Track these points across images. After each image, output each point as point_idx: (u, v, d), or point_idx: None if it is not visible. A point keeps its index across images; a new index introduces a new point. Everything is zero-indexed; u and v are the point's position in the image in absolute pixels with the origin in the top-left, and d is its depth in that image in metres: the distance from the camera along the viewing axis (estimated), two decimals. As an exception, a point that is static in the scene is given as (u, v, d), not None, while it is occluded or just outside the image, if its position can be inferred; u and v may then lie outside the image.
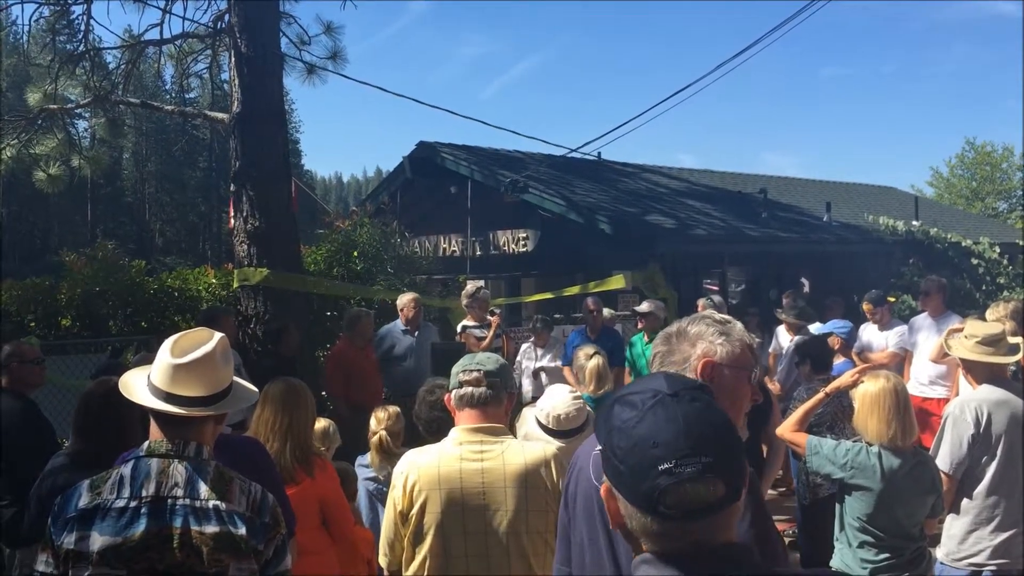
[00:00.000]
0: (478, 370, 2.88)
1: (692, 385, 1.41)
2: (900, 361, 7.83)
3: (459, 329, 8.98)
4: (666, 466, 1.27)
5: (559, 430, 3.75)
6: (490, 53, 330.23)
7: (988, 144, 41.42)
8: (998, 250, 14.05)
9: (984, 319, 5.03)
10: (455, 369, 2.95)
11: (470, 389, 2.88)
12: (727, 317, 2.18)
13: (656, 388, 1.38)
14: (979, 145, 41.62)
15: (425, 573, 2.83)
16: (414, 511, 2.82)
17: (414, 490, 2.82)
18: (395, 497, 2.88)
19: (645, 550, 1.35)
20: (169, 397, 2.37)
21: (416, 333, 8.21)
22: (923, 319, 7.91)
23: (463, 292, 9.28)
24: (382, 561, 2.97)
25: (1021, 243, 15.70)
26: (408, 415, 4.34)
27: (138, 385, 2.45)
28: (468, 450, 2.83)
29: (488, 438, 2.85)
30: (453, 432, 2.91)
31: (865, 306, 8.31)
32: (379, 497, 4.49)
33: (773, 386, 7.42)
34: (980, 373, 4.11)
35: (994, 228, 21.26)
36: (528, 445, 3.02)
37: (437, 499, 2.80)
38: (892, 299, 10.06)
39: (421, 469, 2.84)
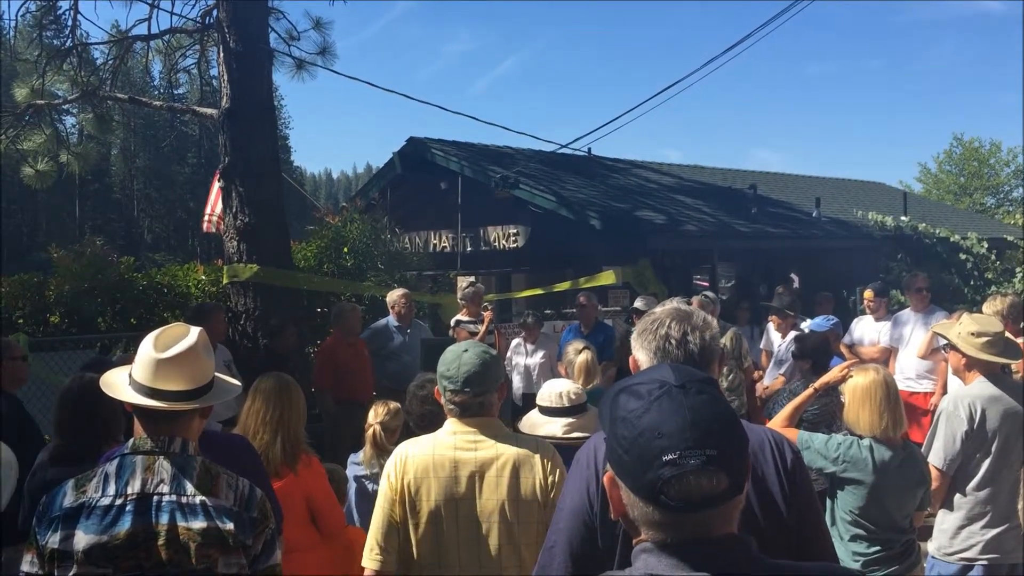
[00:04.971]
0: (465, 391, 2.84)
1: (699, 377, 1.40)
2: (888, 355, 7.86)
3: (452, 323, 8.98)
4: (670, 457, 1.27)
5: (569, 406, 3.90)
6: (478, 49, 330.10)
7: (976, 140, 41.50)
8: (986, 245, 14.05)
9: (972, 313, 5.03)
10: (440, 370, 2.91)
11: (459, 402, 2.87)
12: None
13: (663, 379, 1.37)
14: (967, 141, 41.74)
15: (416, 560, 2.83)
16: (408, 498, 2.82)
17: (406, 477, 2.83)
18: (388, 485, 2.87)
19: (645, 539, 1.35)
20: (153, 392, 2.35)
21: (409, 330, 8.20)
22: (908, 313, 7.92)
23: (458, 287, 9.28)
24: (374, 563, 2.85)
25: (1010, 238, 15.74)
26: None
27: (121, 382, 2.44)
28: (462, 439, 2.86)
29: (483, 428, 2.88)
30: (447, 423, 2.92)
31: (866, 293, 8.31)
32: (371, 495, 4.46)
33: (776, 383, 7.42)
34: (980, 370, 4.12)
35: (982, 223, 21.35)
36: (522, 436, 3.06)
37: (431, 487, 2.81)
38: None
39: (415, 457, 2.86)
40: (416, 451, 2.88)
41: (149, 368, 2.37)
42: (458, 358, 2.89)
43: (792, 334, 7.60)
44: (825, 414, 5.03)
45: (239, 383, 2.69)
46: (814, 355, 5.67)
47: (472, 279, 10.96)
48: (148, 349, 2.40)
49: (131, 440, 2.38)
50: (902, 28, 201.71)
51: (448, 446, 2.85)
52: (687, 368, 1.47)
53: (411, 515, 2.83)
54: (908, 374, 7.61)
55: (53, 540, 2.24)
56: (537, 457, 2.87)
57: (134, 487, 2.29)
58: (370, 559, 2.87)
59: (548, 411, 3.99)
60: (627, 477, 1.33)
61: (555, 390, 4.03)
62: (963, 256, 13.97)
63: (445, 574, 2.82)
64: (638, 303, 8.54)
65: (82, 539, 2.23)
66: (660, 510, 1.29)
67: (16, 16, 9.66)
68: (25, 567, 2.28)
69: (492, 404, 2.94)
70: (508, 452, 2.85)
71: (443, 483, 2.81)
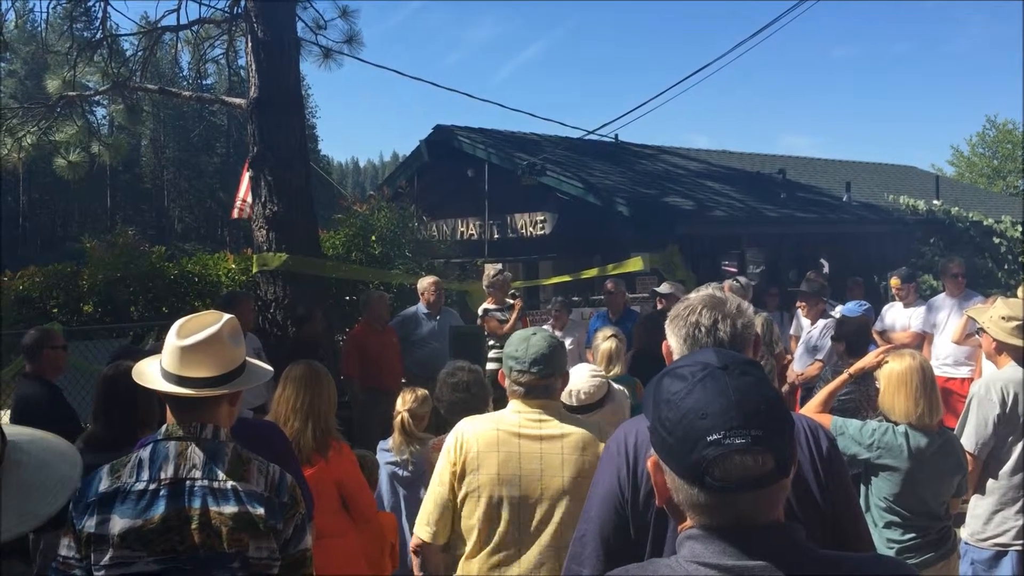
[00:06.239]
0: (532, 371, 2.87)
1: (743, 360, 1.39)
2: (921, 341, 7.77)
3: (480, 312, 8.98)
4: (715, 437, 1.26)
5: (579, 406, 3.91)
6: (502, 35, 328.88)
7: (1009, 122, 40.81)
8: (1020, 229, 13.88)
9: (1007, 297, 4.96)
10: (507, 351, 2.94)
11: (525, 383, 2.89)
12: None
13: (706, 361, 1.37)
14: (1000, 123, 41.04)
15: (477, 537, 2.85)
16: (468, 474, 2.85)
17: (470, 453, 2.86)
18: (448, 460, 2.90)
19: (691, 525, 1.33)
20: (180, 380, 2.38)
21: (438, 317, 8.23)
22: (943, 299, 7.83)
23: (485, 275, 9.27)
24: (424, 533, 2.91)
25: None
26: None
27: (151, 371, 2.47)
28: (526, 418, 2.89)
29: (547, 409, 2.91)
30: (511, 403, 2.96)
31: (893, 281, 8.23)
32: (400, 481, 4.49)
33: (812, 368, 7.36)
34: (1011, 354, 4.06)
35: (1016, 207, 20.99)
36: (584, 419, 3.10)
37: (495, 462, 2.84)
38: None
39: (479, 433, 2.89)
40: (478, 428, 2.92)
41: (174, 356, 2.40)
42: (526, 340, 2.93)
43: (821, 321, 7.54)
44: (851, 403, 4.96)
45: (270, 368, 2.71)
46: (852, 338, 5.60)
47: (499, 266, 10.94)
48: (173, 338, 2.43)
49: (164, 427, 2.42)
50: (930, 10, 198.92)
51: (512, 424, 2.88)
52: (730, 352, 1.45)
53: (470, 491, 2.85)
54: (945, 360, 7.52)
55: (89, 524, 2.28)
56: (601, 437, 2.87)
57: (167, 472, 2.32)
58: (421, 529, 2.92)
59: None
60: (671, 459, 1.32)
61: (570, 386, 3.97)
62: (996, 240, 13.79)
63: (506, 551, 2.84)
64: (662, 287, 8.51)
65: (117, 523, 2.26)
66: (705, 492, 1.27)
67: (47, 9, 9.76)
68: (63, 551, 2.32)
69: (556, 388, 2.96)
70: (574, 432, 2.88)
71: (506, 459, 2.84)
